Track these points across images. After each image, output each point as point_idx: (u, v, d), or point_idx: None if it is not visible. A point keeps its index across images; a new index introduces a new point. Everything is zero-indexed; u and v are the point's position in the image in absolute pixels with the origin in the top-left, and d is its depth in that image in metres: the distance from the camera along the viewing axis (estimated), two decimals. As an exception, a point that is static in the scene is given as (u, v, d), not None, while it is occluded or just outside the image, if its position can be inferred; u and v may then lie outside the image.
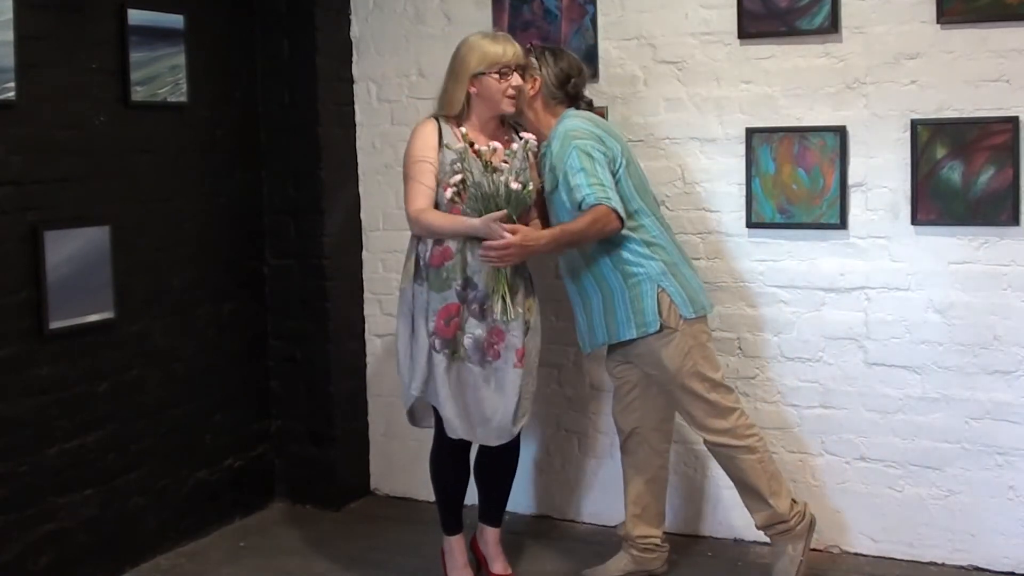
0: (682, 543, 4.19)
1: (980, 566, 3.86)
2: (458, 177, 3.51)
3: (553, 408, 4.48)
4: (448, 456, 3.81)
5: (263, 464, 4.70)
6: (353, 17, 4.68)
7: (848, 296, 3.94)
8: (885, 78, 3.81)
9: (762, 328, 4.08)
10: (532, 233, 3.50)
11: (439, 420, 3.71)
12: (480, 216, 3.48)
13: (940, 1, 3.70)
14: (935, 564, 3.91)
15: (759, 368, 4.11)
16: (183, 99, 4.19)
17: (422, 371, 3.63)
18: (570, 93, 3.74)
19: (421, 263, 3.64)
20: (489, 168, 3.47)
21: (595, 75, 4.24)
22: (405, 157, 3.68)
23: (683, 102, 4.13)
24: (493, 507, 3.92)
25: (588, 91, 4.28)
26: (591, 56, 4.24)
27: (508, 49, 3.60)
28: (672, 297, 3.59)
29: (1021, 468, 3.78)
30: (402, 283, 3.73)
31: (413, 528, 4.40)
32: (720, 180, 4.10)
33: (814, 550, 4.01)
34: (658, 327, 3.58)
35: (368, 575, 4.02)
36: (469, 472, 3.90)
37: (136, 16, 3.96)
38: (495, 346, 3.61)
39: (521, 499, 4.55)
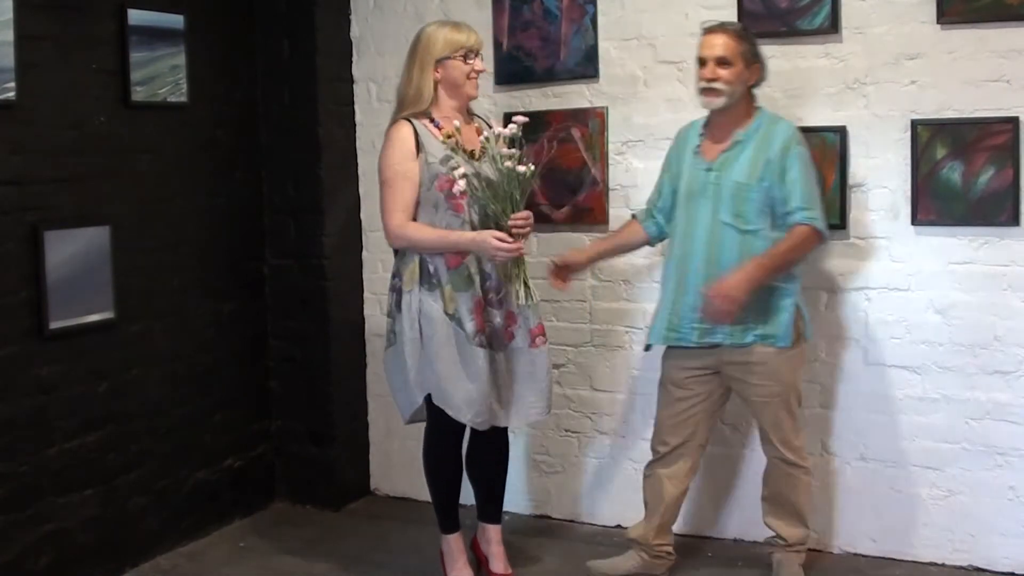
0: (682, 543, 4.19)
1: (980, 566, 3.86)
2: (461, 170, 3.50)
3: (553, 408, 4.46)
4: (444, 449, 3.80)
5: (263, 464, 4.70)
6: (353, 17, 4.68)
7: (848, 296, 3.94)
8: (885, 78, 3.81)
9: (762, 328, 4.08)
10: (733, 283, 3.41)
11: (432, 414, 3.70)
12: (485, 207, 3.55)
13: (940, 1, 3.70)
14: (935, 564, 3.91)
15: (759, 368, 4.11)
16: (183, 99, 4.19)
17: (444, 373, 3.59)
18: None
19: (429, 268, 3.62)
20: (498, 157, 3.51)
21: (595, 75, 4.25)
22: (380, 162, 3.65)
23: (683, 102, 4.13)
24: (491, 503, 3.91)
25: (588, 91, 4.31)
26: (591, 56, 4.24)
27: (471, 35, 3.64)
28: (804, 316, 3.64)
29: (1021, 468, 3.79)
30: (406, 286, 3.67)
31: (413, 528, 4.40)
32: (720, 180, 4.10)
33: (813, 550, 4.02)
34: (789, 343, 3.58)
35: (368, 575, 4.02)
36: (463, 465, 3.89)
37: (136, 16, 3.96)
38: (509, 328, 3.66)
39: (521, 499, 4.55)
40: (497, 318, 3.64)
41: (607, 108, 4.24)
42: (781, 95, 3.98)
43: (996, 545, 3.83)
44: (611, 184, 4.27)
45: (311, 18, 4.51)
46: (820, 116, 3.91)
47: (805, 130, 3.91)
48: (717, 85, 3.51)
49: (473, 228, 3.59)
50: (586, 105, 4.29)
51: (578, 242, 4.35)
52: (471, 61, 3.62)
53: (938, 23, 3.72)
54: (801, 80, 3.94)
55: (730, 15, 4.00)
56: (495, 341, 3.64)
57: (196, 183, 4.31)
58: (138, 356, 4.06)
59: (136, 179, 4.03)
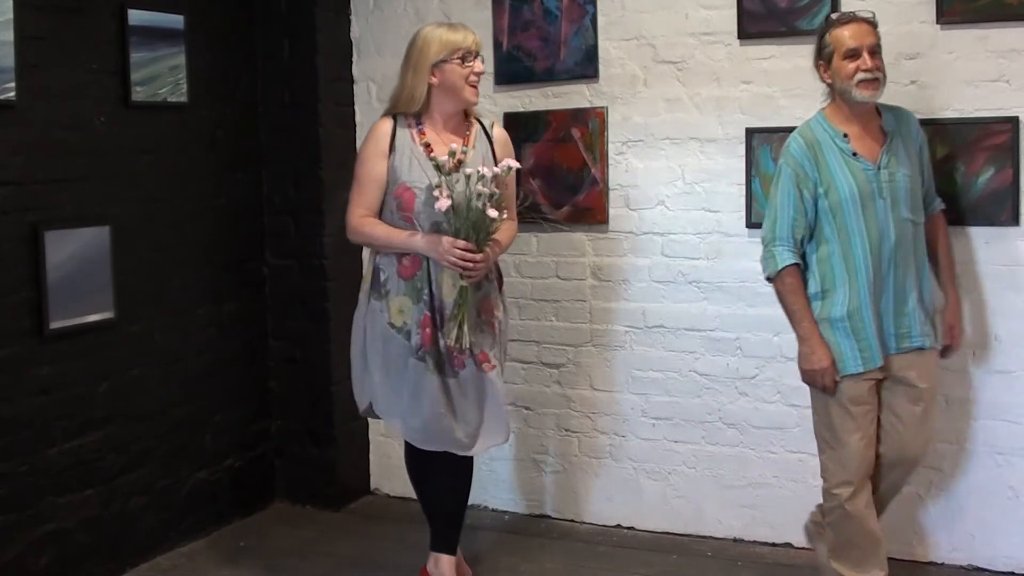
0: (682, 543, 4.19)
1: (980, 566, 3.86)
2: (448, 200, 3.37)
3: (553, 408, 4.48)
4: (425, 458, 3.63)
5: (263, 464, 4.70)
6: (353, 17, 4.68)
7: (848, 296, 3.94)
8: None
9: (762, 328, 4.08)
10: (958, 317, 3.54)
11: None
12: (454, 231, 3.40)
13: (940, 1, 3.70)
14: (935, 564, 3.91)
15: (759, 368, 4.11)
16: (183, 99, 4.19)
17: (386, 387, 3.53)
18: None
19: (380, 276, 3.54)
20: (472, 193, 3.37)
21: (595, 75, 4.25)
22: (357, 156, 3.64)
23: (683, 102, 4.13)
24: (449, 532, 3.72)
25: (588, 91, 4.31)
26: (591, 56, 4.24)
27: (468, 35, 3.50)
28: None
29: (1021, 468, 3.79)
30: (360, 292, 3.64)
31: (413, 528, 4.38)
32: (720, 180, 4.10)
33: (813, 550, 4.02)
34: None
35: (368, 575, 4.02)
36: (454, 474, 3.68)
37: (136, 16, 3.96)
38: (459, 356, 3.50)
39: (521, 499, 4.55)
40: (442, 341, 3.48)
41: (607, 108, 4.24)
42: (781, 95, 3.98)
43: (996, 545, 3.83)
44: (611, 184, 4.27)
45: (311, 18, 4.51)
46: (820, 116, 3.91)
47: (805, 130, 3.93)
48: (878, 75, 3.31)
49: None
50: (586, 105, 4.29)
51: (578, 242, 4.35)
52: (470, 63, 3.49)
53: (938, 23, 3.72)
54: (801, 80, 3.94)
55: (730, 15, 4.00)
56: (445, 367, 3.49)
57: (196, 183, 4.31)
58: (138, 356, 4.06)
59: (136, 179, 4.04)
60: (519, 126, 4.38)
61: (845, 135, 3.39)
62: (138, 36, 3.97)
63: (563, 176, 4.34)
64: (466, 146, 3.54)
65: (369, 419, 4.74)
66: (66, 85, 3.74)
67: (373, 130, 3.57)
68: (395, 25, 4.59)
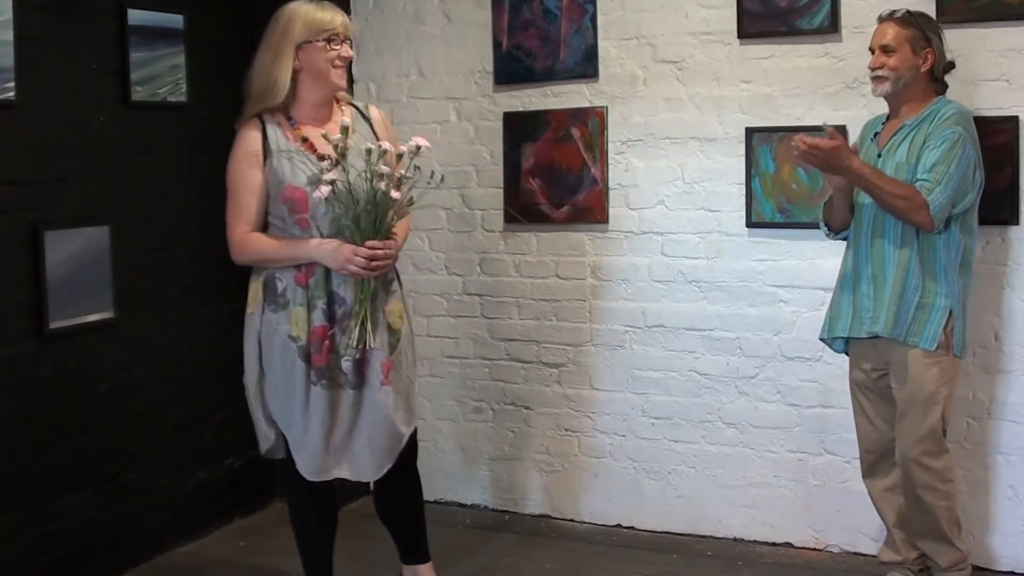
0: (682, 543, 4.19)
1: (980, 565, 3.85)
2: (331, 175, 3.10)
3: (553, 408, 4.48)
4: (314, 507, 3.39)
5: (263, 464, 4.69)
6: (353, 17, 4.67)
7: (848, 296, 3.93)
8: (885, 78, 3.81)
9: (762, 328, 4.08)
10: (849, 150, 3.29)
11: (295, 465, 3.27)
12: (338, 224, 3.14)
13: (940, 1, 3.70)
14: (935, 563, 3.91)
15: (759, 368, 4.11)
16: (183, 99, 4.19)
17: (283, 410, 3.23)
18: (941, 82, 3.52)
19: (278, 286, 3.22)
20: (370, 173, 3.09)
21: (595, 75, 4.25)
22: (227, 169, 3.27)
23: (683, 102, 4.13)
24: (413, 544, 3.57)
25: (588, 91, 4.31)
26: (591, 56, 4.24)
27: (336, 16, 3.20)
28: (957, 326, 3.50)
29: (1021, 468, 3.78)
30: (249, 308, 3.29)
31: (413, 528, 4.39)
32: (720, 180, 4.10)
33: (813, 549, 4.03)
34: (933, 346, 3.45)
35: (367, 574, 4.01)
36: (336, 522, 3.49)
37: (136, 16, 3.96)
38: (362, 369, 3.21)
39: (521, 499, 4.55)
40: (345, 360, 3.19)
41: (607, 108, 4.24)
42: (781, 94, 3.98)
43: (996, 545, 3.83)
44: (611, 184, 4.27)
45: (311, 18, 4.50)
46: (819, 116, 3.91)
47: (804, 130, 3.92)
48: (881, 72, 3.43)
49: None
50: (586, 105, 4.29)
51: (578, 242, 4.35)
52: (336, 47, 3.18)
53: (938, 23, 3.71)
54: (801, 80, 3.94)
55: (729, 14, 4.01)
56: (354, 378, 3.20)
57: (196, 183, 4.30)
58: (138, 356, 4.06)
59: (136, 179, 4.03)
60: (519, 126, 4.39)
61: (884, 122, 3.56)
62: (138, 36, 3.97)
63: (563, 176, 4.33)
64: (348, 137, 3.17)
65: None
66: (66, 85, 3.74)
67: (240, 138, 3.24)
68: (395, 25, 4.59)
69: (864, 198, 3.46)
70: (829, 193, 3.53)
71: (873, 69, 3.45)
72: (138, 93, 3.99)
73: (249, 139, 3.23)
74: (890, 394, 3.53)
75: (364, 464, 3.27)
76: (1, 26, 3.46)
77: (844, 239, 3.61)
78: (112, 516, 3.97)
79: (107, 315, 3.89)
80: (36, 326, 3.65)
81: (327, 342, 3.18)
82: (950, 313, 3.40)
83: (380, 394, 3.23)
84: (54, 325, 3.68)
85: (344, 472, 3.27)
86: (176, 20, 4.13)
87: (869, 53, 3.49)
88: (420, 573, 3.59)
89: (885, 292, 3.43)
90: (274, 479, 4.74)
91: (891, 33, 3.43)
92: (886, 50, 3.42)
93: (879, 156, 3.49)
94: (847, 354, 3.66)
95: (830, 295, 3.95)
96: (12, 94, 3.52)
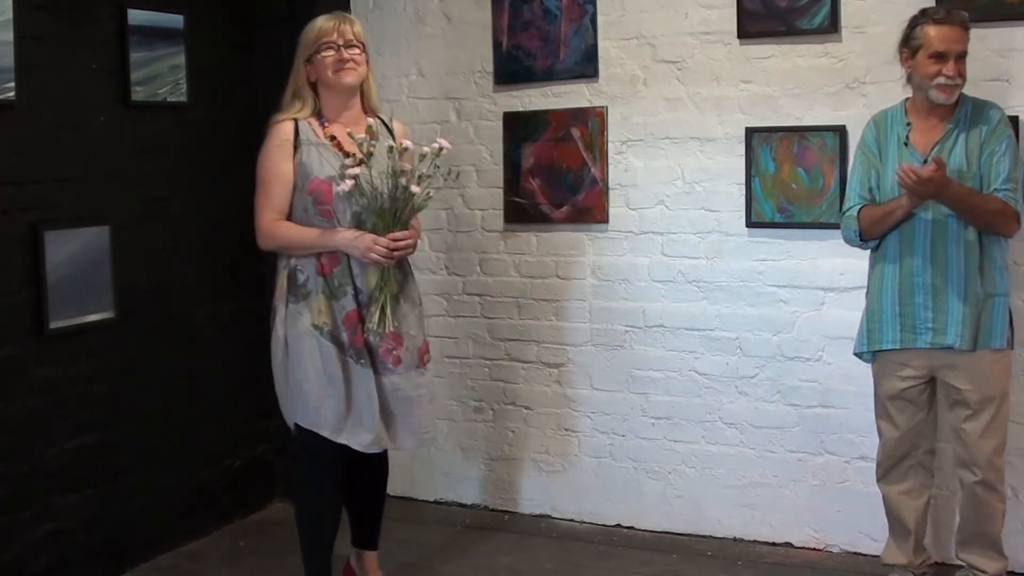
0: (682, 543, 4.19)
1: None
2: (356, 170, 3.27)
3: (553, 408, 4.48)
4: (320, 483, 3.48)
5: (263, 464, 4.70)
6: (353, 17, 4.67)
7: (848, 296, 3.93)
8: (885, 78, 3.81)
9: (762, 328, 4.09)
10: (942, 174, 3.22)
11: (306, 445, 3.42)
12: (360, 216, 3.33)
13: (940, 1, 3.69)
14: (936, 563, 3.90)
15: (759, 368, 4.11)
16: (183, 99, 4.19)
17: (312, 397, 3.36)
18: None
19: (299, 277, 3.38)
20: (393, 170, 3.30)
21: (595, 75, 4.25)
22: (258, 160, 3.44)
23: (683, 102, 4.13)
24: (369, 528, 3.71)
25: (587, 91, 4.31)
26: (591, 56, 4.24)
27: (341, 24, 3.39)
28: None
29: (1021, 468, 3.78)
30: (275, 301, 3.45)
31: (413, 527, 4.39)
32: (720, 180, 4.10)
33: (813, 549, 4.02)
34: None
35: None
36: (339, 522, 3.60)
37: (136, 16, 3.96)
38: (394, 352, 3.40)
39: (521, 499, 4.55)
40: (372, 337, 3.38)
41: (607, 107, 4.25)
42: (781, 94, 3.98)
43: (996, 544, 3.83)
44: (611, 183, 4.27)
45: (311, 18, 4.48)
46: (819, 116, 3.92)
47: (804, 129, 3.94)
48: (960, 81, 3.34)
49: None
50: (586, 104, 4.29)
51: (578, 242, 4.35)
52: (331, 51, 3.37)
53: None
54: (801, 80, 3.94)
55: (729, 14, 4.01)
56: (377, 363, 3.39)
57: (196, 183, 4.30)
58: (138, 356, 4.06)
59: (136, 179, 4.03)
60: (519, 126, 4.39)
61: (909, 123, 3.47)
62: (138, 36, 3.97)
63: (563, 175, 4.34)
64: (374, 139, 3.33)
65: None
66: (66, 85, 3.74)
67: (274, 131, 3.42)
68: (395, 25, 4.59)
69: (924, 212, 3.38)
70: (895, 208, 3.39)
71: (951, 78, 3.33)
72: (138, 93, 3.99)
73: (282, 130, 3.41)
74: (923, 401, 3.53)
75: (404, 435, 3.47)
76: (1, 26, 3.46)
77: (876, 248, 3.53)
78: (112, 516, 3.97)
79: (107, 315, 3.89)
80: (36, 326, 3.65)
81: (360, 325, 3.37)
82: (1008, 309, 3.43)
83: (420, 375, 3.47)
84: (54, 325, 3.68)
85: (388, 443, 3.45)
86: (176, 20, 4.13)
87: (933, 60, 3.34)
88: (366, 559, 3.74)
89: (949, 301, 3.39)
90: (274, 479, 4.74)
91: (965, 39, 3.35)
92: (961, 58, 3.34)
93: (923, 163, 3.35)
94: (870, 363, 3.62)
95: (830, 295, 3.97)
96: (12, 94, 3.52)
